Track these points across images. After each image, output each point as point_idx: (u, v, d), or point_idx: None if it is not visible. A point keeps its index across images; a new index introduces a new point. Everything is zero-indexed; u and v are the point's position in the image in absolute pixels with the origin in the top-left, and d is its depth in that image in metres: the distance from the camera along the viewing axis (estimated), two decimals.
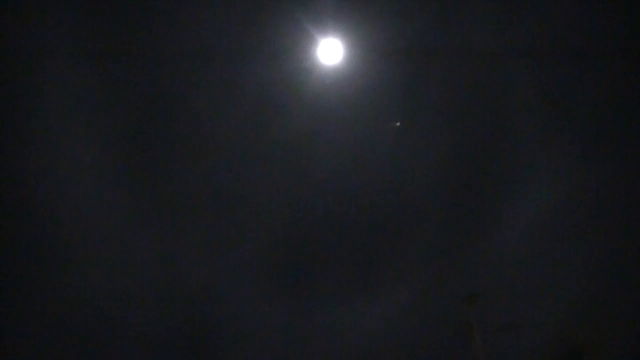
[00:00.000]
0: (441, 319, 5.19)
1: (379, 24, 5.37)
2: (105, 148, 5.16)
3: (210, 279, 5.15)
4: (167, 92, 5.10)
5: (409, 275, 5.26)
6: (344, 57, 5.41)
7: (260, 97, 5.30)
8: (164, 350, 5.10)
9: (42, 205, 5.13)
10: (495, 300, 5.27)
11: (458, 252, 5.33)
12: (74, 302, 5.17)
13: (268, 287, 5.14)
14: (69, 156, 5.22)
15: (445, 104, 5.37)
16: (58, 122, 5.18)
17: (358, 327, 5.25)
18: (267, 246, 5.15)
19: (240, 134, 5.21)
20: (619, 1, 5.24)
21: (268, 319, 5.18)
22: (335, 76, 5.40)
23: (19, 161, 5.18)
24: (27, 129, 5.21)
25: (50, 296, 5.13)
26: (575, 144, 5.47)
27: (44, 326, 5.19)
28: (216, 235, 5.13)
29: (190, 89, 5.17)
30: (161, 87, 5.11)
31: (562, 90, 5.39)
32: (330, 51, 5.42)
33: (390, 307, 5.16)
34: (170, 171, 5.14)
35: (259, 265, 5.19)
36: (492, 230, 5.35)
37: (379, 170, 5.26)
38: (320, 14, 5.35)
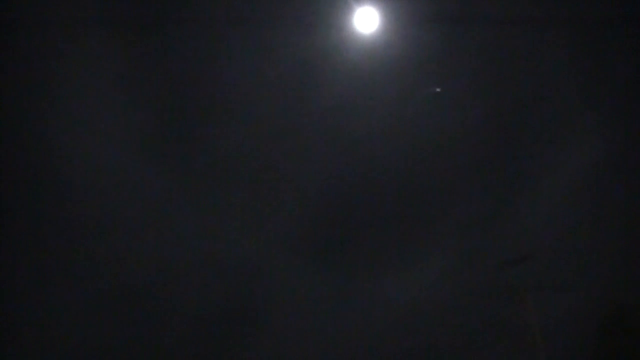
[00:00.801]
0: (485, 284, 5.09)
1: None
2: (141, 120, 5.10)
3: (251, 250, 5.09)
4: (203, 61, 5.03)
5: (450, 241, 5.17)
6: (380, 26, 5.28)
7: (297, 65, 5.22)
8: (207, 323, 5.05)
9: (82, 182, 5.07)
10: (541, 263, 5.17)
11: (499, 215, 5.23)
12: (116, 278, 5.11)
13: (308, 257, 5.08)
14: (104, 131, 5.16)
15: (482, 69, 5.27)
16: (92, 96, 5.12)
17: (400, 295, 5.16)
18: (307, 216, 5.09)
19: (277, 103, 5.14)
20: None
21: (309, 289, 5.12)
22: (372, 44, 5.29)
23: (55, 139, 5.12)
24: (60, 104, 5.14)
25: (95, 273, 5.07)
26: (616, 100, 5.35)
27: (90, 302, 5.13)
28: (256, 206, 5.06)
29: (226, 58, 5.10)
30: (197, 56, 5.04)
31: (599, 53, 5.27)
32: (366, 19, 5.30)
33: (432, 273, 5.07)
34: (207, 142, 5.07)
35: (298, 235, 5.13)
36: (534, 193, 5.24)
37: (416, 137, 5.17)
38: None
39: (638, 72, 5.14)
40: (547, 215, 5.03)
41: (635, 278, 5.09)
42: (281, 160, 5.07)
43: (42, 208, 4.97)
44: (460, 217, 5.03)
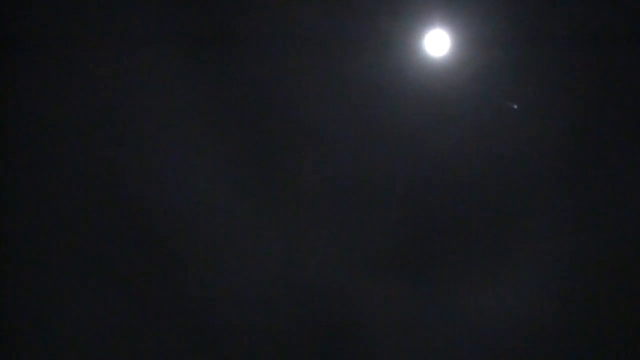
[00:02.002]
0: (580, 294, 5.10)
1: (484, 13, 5.31)
2: (211, 143, 5.23)
3: (334, 273, 5.18)
4: (277, 87, 5.15)
5: (541, 250, 5.19)
6: (451, 48, 5.36)
7: (367, 89, 5.30)
8: (292, 349, 5.17)
9: (164, 212, 5.24)
10: None
11: (586, 227, 5.24)
12: (198, 304, 5.27)
13: (396, 276, 5.14)
14: (175, 154, 5.31)
15: (558, 88, 5.28)
16: (159, 119, 5.27)
17: (495, 308, 5.21)
18: (392, 235, 5.16)
19: (349, 126, 5.22)
20: None
21: (396, 310, 5.19)
22: (444, 67, 5.37)
23: (134, 168, 5.29)
24: (138, 130, 5.31)
25: (175, 298, 5.24)
26: None
27: (170, 328, 5.30)
28: (335, 229, 5.15)
29: (298, 83, 5.20)
30: (267, 77, 5.15)
31: None
32: (436, 42, 5.38)
33: (526, 284, 5.11)
34: (282, 164, 5.18)
35: (384, 254, 5.20)
36: (622, 194, 5.22)
37: (494, 156, 5.21)
38: (425, 5, 5.32)
39: None
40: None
41: None
42: (362, 182, 5.18)
43: (125, 239, 5.17)
44: (548, 226, 5.06)
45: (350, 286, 5.27)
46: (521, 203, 5.23)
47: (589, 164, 5.24)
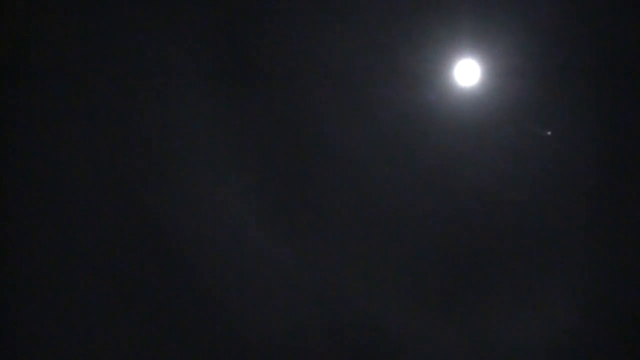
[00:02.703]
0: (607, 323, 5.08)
1: (515, 43, 5.34)
2: (241, 171, 5.21)
3: (374, 305, 5.14)
4: (302, 115, 5.14)
5: (579, 280, 5.17)
6: (481, 78, 5.38)
7: (398, 118, 5.30)
8: None
9: (183, 236, 5.20)
10: None
11: (614, 259, 5.23)
12: (237, 341, 5.22)
13: (432, 306, 5.11)
14: (203, 182, 5.28)
15: (589, 116, 5.30)
16: (188, 148, 5.25)
17: (535, 337, 5.18)
18: (427, 266, 5.13)
19: (382, 157, 5.21)
20: None
21: (439, 343, 5.15)
22: (475, 96, 5.38)
23: (162, 204, 5.26)
24: (166, 165, 5.28)
25: (201, 331, 5.19)
26: None
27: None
28: (373, 260, 5.13)
29: (324, 111, 5.19)
30: (296, 110, 5.15)
31: None
32: (467, 72, 5.40)
33: (563, 314, 5.08)
34: (314, 197, 5.16)
35: (421, 285, 5.17)
36: None
37: (530, 183, 5.20)
38: (454, 36, 5.35)
39: None
40: None
41: None
42: (395, 213, 5.16)
43: (154, 278, 5.13)
44: (584, 255, 5.05)
45: (383, 316, 5.24)
46: (552, 232, 5.22)
47: (622, 192, 5.25)
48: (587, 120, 5.32)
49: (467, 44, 5.33)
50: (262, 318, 5.17)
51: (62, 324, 5.20)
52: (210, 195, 5.32)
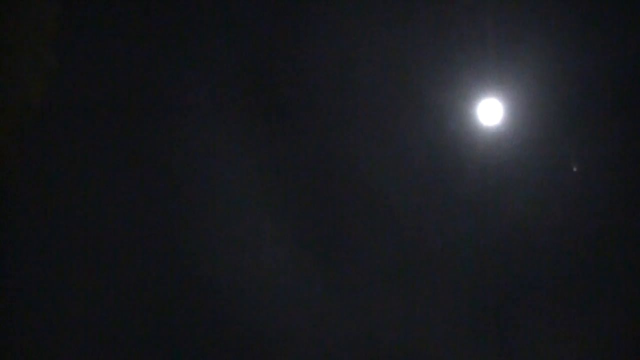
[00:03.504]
0: None
1: (538, 81, 5.39)
2: (273, 213, 5.18)
3: (414, 343, 5.01)
4: (331, 153, 5.15)
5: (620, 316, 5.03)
6: (504, 117, 5.40)
7: (423, 158, 5.30)
8: None
9: (233, 290, 5.14)
10: None
11: None
12: None
13: (468, 345, 4.98)
14: (237, 225, 5.25)
15: (613, 152, 5.29)
16: (221, 189, 5.25)
17: None
18: (462, 301, 5.02)
19: (410, 196, 5.19)
20: None
21: None
22: (498, 134, 5.39)
23: (200, 247, 5.23)
24: (191, 197, 5.27)
25: None
26: None
27: None
28: (410, 297, 5.03)
29: (353, 149, 5.21)
30: (326, 148, 5.16)
31: None
32: (490, 111, 5.43)
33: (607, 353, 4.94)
34: (347, 235, 5.12)
35: (459, 321, 5.05)
36: None
37: (559, 219, 5.15)
38: (478, 74, 5.41)
39: None
40: None
41: None
42: (427, 255, 5.10)
43: (189, 319, 5.05)
44: (615, 293, 4.95)
45: (416, 354, 5.11)
46: (598, 263, 5.14)
47: None
48: (612, 156, 5.31)
49: (490, 83, 5.38)
50: (298, 358, 5.04)
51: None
52: (242, 235, 5.28)
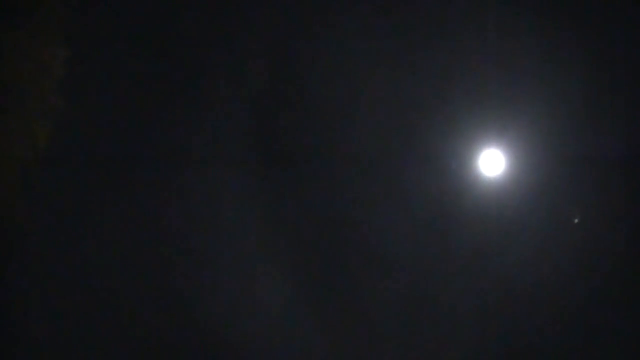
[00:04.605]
0: None
1: (540, 132, 5.45)
2: (274, 258, 5.19)
3: None
4: (334, 202, 5.18)
5: None
6: (506, 168, 5.45)
7: (425, 208, 5.34)
8: None
9: (220, 320, 5.12)
10: None
11: None
12: None
13: None
14: (240, 269, 5.26)
15: (614, 201, 5.34)
16: (226, 234, 5.26)
17: None
18: (463, 352, 5.02)
19: (409, 244, 5.21)
20: None
21: None
22: (499, 186, 5.43)
23: (194, 275, 5.23)
24: (197, 242, 5.28)
25: None
26: None
27: None
28: (418, 348, 5.02)
29: (355, 199, 5.24)
30: (327, 196, 5.20)
31: None
32: (492, 162, 5.48)
33: None
34: (351, 284, 5.12)
35: None
36: None
37: (562, 270, 5.18)
38: (479, 126, 5.47)
39: None
40: None
41: None
42: (428, 305, 5.10)
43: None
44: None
45: None
46: (603, 311, 5.15)
47: None
48: (614, 207, 5.35)
49: (492, 134, 5.43)
50: None
51: None
52: (247, 285, 5.29)
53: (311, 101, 5.40)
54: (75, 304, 5.22)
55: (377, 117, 5.40)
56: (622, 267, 5.33)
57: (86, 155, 5.37)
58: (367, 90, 5.42)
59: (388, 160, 5.36)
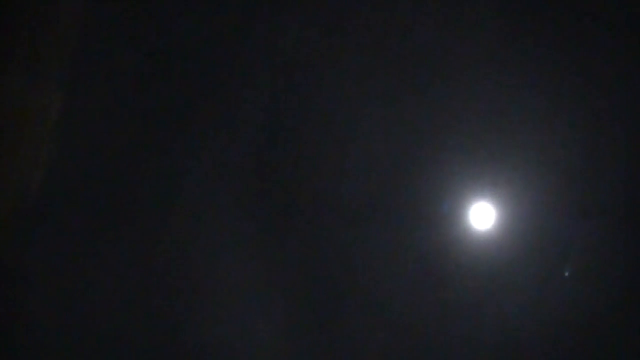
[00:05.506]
0: None
1: (529, 186, 5.48)
2: (273, 311, 5.20)
3: None
4: (328, 251, 5.20)
5: None
6: (496, 221, 5.47)
7: (413, 263, 5.35)
8: None
9: None
10: None
11: None
12: None
13: None
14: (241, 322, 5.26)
15: (606, 258, 5.34)
16: (224, 287, 5.27)
17: None
18: None
19: (400, 297, 5.22)
20: None
21: None
22: (489, 240, 5.44)
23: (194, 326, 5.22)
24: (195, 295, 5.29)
25: None
26: None
27: None
28: None
29: (344, 252, 5.26)
30: (320, 245, 5.22)
31: None
32: (482, 215, 5.50)
33: None
34: (344, 332, 5.13)
35: None
36: None
37: (546, 328, 5.18)
38: (470, 179, 5.49)
39: None
40: None
41: None
42: (417, 354, 5.10)
43: None
44: None
45: None
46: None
47: None
48: (607, 263, 5.36)
49: (482, 187, 5.45)
50: None
51: None
52: (241, 332, 5.29)
53: (307, 151, 5.43)
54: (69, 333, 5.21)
55: (370, 169, 5.43)
56: (614, 321, 5.33)
57: (78, 203, 5.37)
58: (360, 143, 5.45)
59: (380, 213, 5.38)
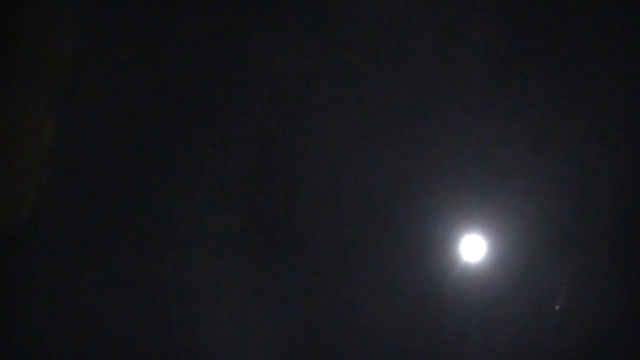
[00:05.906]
0: None
1: (520, 218, 5.49)
2: (266, 341, 5.18)
3: None
4: (317, 281, 5.21)
5: None
6: (487, 253, 5.47)
7: (404, 296, 5.35)
8: None
9: None
10: None
11: None
12: None
13: None
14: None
15: (600, 288, 5.35)
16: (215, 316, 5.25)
17: None
18: None
19: (391, 331, 5.21)
20: None
21: None
22: (480, 273, 5.45)
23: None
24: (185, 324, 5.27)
25: None
26: None
27: None
28: None
29: (334, 281, 5.27)
30: (312, 278, 5.22)
31: None
32: (473, 248, 5.50)
33: None
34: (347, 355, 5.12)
35: None
36: None
37: (543, 356, 5.18)
38: (459, 211, 5.51)
39: None
40: None
41: None
42: None
43: None
44: None
45: None
46: None
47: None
48: (598, 297, 5.36)
49: (473, 219, 5.46)
50: None
51: None
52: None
53: (299, 186, 5.44)
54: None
55: (362, 199, 5.44)
56: (604, 356, 5.33)
57: (70, 231, 5.36)
58: (353, 173, 5.47)
59: (371, 243, 5.38)
